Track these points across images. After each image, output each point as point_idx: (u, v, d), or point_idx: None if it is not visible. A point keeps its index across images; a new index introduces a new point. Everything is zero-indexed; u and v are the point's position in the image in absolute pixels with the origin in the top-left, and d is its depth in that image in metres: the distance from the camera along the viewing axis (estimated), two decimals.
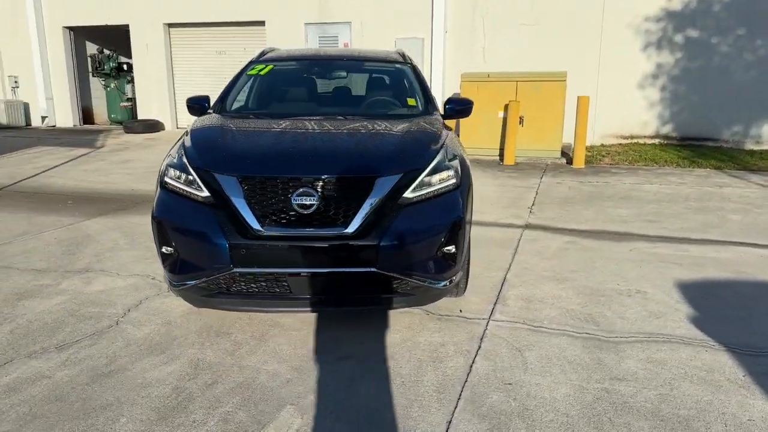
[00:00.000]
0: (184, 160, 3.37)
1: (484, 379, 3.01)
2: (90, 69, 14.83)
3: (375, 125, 3.78)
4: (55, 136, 12.78)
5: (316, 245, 3.07)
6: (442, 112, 4.53)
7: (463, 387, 2.92)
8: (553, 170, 9.05)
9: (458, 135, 10.23)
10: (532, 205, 6.93)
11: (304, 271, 3.09)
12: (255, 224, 3.07)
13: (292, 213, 3.09)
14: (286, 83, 4.82)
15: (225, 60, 13.01)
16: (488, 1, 11.10)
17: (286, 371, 3.06)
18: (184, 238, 3.17)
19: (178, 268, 3.25)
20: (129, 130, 13.20)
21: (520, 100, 9.53)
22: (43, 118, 14.43)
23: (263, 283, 3.15)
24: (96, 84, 15.16)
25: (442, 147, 3.56)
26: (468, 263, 4.03)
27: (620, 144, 10.77)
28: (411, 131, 3.70)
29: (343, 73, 5.03)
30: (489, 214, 6.45)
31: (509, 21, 11.02)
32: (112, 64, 14.67)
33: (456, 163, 3.55)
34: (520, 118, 9.60)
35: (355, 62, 5.03)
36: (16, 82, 14.49)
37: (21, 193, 7.58)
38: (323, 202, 3.11)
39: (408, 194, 3.23)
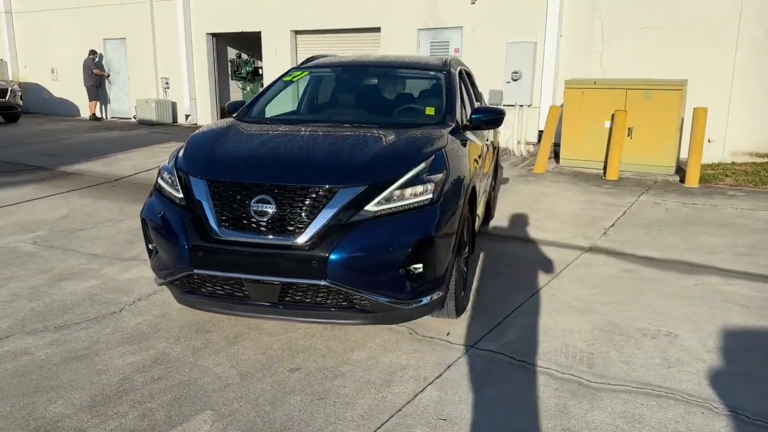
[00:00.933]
0: (173, 162, 3.53)
1: (421, 410, 2.80)
2: (229, 72, 16.06)
3: (369, 135, 3.67)
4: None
5: (269, 252, 3.06)
6: (469, 123, 4.31)
7: (391, 416, 2.75)
8: (659, 188, 8.19)
9: (559, 145, 9.66)
10: (612, 225, 6.32)
11: (257, 278, 3.09)
12: (215, 228, 3.14)
13: (251, 219, 3.11)
14: (315, 90, 4.86)
15: None
16: (608, 2, 10.32)
17: (232, 376, 3.09)
18: (159, 237, 3.32)
19: (155, 265, 3.42)
20: None
21: (630, 109, 8.74)
22: (187, 116, 15.90)
23: (225, 287, 3.21)
24: (234, 86, 16.39)
25: (426, 160, 3.37)
26: (463, 282, 3.81)
27: (753, 163, 9.46)
28: (397, 143, 3.54)
29: (374, 81, 4.95)
30: (555, 233, 6.00)
31: (630, 24, 10.15)
32: (248, 68, 15.78)
33: (440, 177, 3.33)
34: (629, 129, 8.81)
35: (389, 69, 4.94)
36: (167, 83, 16.11)
37: (133, 183, 8.41)
38: (281, 210, 3.08)
39: (371, 207, 3.10)
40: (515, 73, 10.97)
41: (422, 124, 4.09)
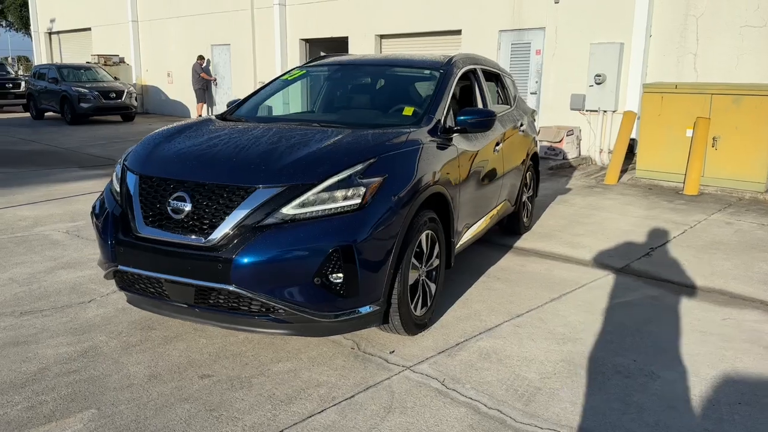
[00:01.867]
0: (123, 156, 3.55)
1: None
2: None
3: (316, 135, 3.46)
4: None
5: (181, 252, 2.96)
6: (456, 126, 3.97)
7: None
8: (740, 206, 7.20)
9: (634, 153, 8.83)
10: (660, 245, 5.62)
11: (171, 278, 3.00)
12: (136, 224, 3.09)
13: (170, 217, 3.03)
14: (306, 89, 4.72)
15: None
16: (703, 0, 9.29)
17: (141, 377, 3.02)
18: (96, 230, 3.34)
19: (99, 258, 3.45)
20: None
21: (716, 116, 7.78)
22: None
23: (149, 285, 3.16)
24: None
25: (363, 162, 3.11)
26: (430, 297, 3.52)
27: None
28: (339, 143, 3.30)
29: (365, 80, 4.72)
30: (589, 250, 5.43)
31: (729, 22, 9.05)
32: None
33: (376, 181, 3.07)
34: (713, 139, 7.84)
35: (384, 68, 4.68)
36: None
37: None
38: (196, 209, 2.98)
39: (288, 210, 2.91)
40: (598, 76, 10.20)
41: (395, 125, 3.82)
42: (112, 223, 3.18)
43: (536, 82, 11.52)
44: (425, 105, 4.01)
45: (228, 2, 17.17)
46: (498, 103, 5.51)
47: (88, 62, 20.89)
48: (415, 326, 3.48)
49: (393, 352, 3.34)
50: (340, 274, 2.90)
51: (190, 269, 2.93)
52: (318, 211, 2.93)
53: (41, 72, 18.49)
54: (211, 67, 18.23)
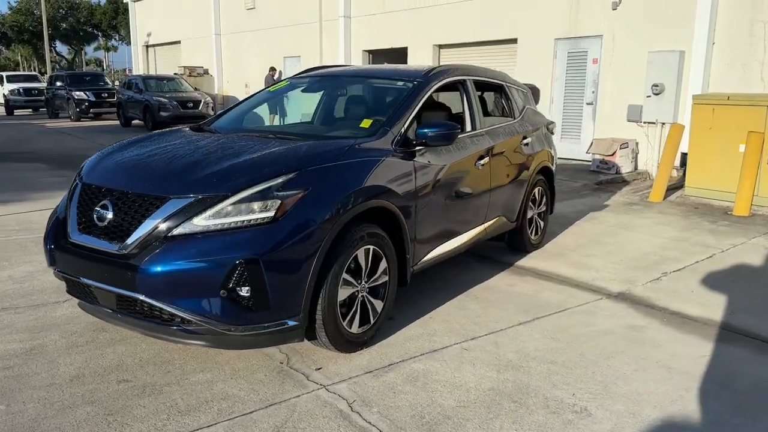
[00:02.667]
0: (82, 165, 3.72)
1: None
2: None
3: (250, 146, 3.47)
4: None
5: (100, 258, 3.05)
6: (415, 139, 3.86)
7: None
8: None
9: (683, 171, 8.23)
10: (677, 270, 5.19)
11: (95, 284, 3.11)
12: (70, 230, 3.23)
13: (96, 224, 3.14)
14: (285, 100, 4.74)
15: None
16: None
17: (66, 377, 3.13)
18: (44, 234, 3.51)
19: None
20: None
21: None
22: None
23: (82, 289, 3.27)
24: None
25: (284, 175, 3.08)
26: (374, 314, 3.47)
27: None
28: (265, 155, 3.29)
29: (341, 92, 4.67)
30: (594, 272, 5.11)
31: None
32: None
33: (295, 194, 3.03)
34: None
35: (362, 79, 4.62)
36: None
37: None
38: (116, 216, 3.07)
39: (199, 221, 2.93)
40: (656, 86, 9.61)
41: (345, 137, 3.77)
42: (54, 228, 3.35)
43: (592, 92, 11.01)
44: (386, 117, 3.92)
45: (299, 15, 17.69)
46: (497, 115, 5.31)
47: (175, 73, 22.20)
48: (349, 344, 3.40)
49: (319, 369, 3.28)
50: (247, 288, 2.88)
51: (108, 276, 3.02)
52: (229, 223, 2.93)
53: (129, 82, 19.86)
54: (282, 78, 18.81)
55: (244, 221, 2.93)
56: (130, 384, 3.07)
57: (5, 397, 2.92)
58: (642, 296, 4.58)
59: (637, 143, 10.20)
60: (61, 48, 63.34)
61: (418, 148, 3.88)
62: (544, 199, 5.85)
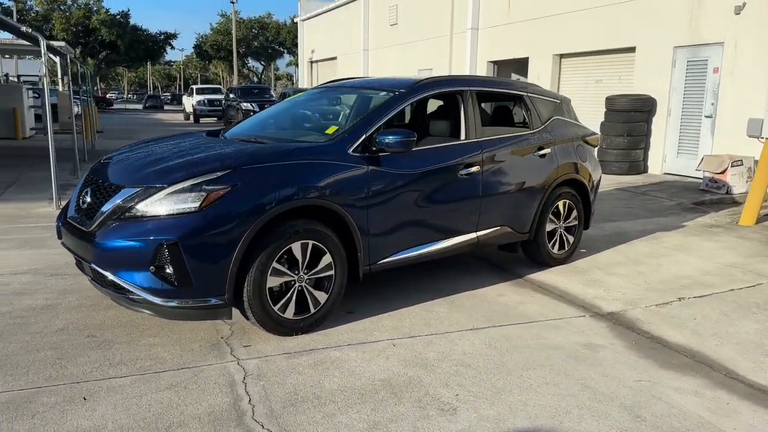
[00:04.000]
0: None
1: (54, 387, 3.13)
2: None
3: (206, 146, 4.01)
4: None
5: (79, 234, 3.75)
6: (374, 145, 4.12)
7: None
8: None
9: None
10: (701, 296, 4.80)
11: (78, 256, 3.82)
12: (69, 211, 3.99)
13: (80, 207, 3.87)
14: (286, 109, 5.20)
15: (600, 89, 12.41)
16: None
17: (54, 328, 3.85)
18: None
19: None
20: None
21: None
22: None
23: (78, 261, 4.02)
24: None
25: (214, 172, 3.54)
26: (293, 300, 3.78)
27: None
28: (207, 155, 3.80)
29: (332, 101, 4.99)
30: (602, 290, 4.92)
31: None
32: None
33: (220, 189, 3.47)
34: None
35: (357, 90, 4.91)
36: None
37: None
38: (92, 201, 3.76)
39: (141, 206, 3.49)
40: None
41: (308, 142, 4.15)
42: (65, 208, 4.15)
43: (712, 104, 10.10)
44: (352, 125, 4.23)
45: (433, 29, 18.22)
46: (507, 125, 5.32)
47: None
48: (281, 327, 3.75)
49: (248, 346, 3.68)
50: (171, 267, 3.39)
51: (82, 249, 3.71)
52: (163, 210, 3.46)
53: (284, 94, 21.82)
54: None
55: (174, 209, 3.45)
56: (93, 339, 3.74)
57: (2, 337, 3.73)
58: (632, 318, 4.34)
59: (755, 161, 9.14)
60: (254, 63, 70.65)
61: (382, 153, 4.12)
62: (574, 214, 5.66)
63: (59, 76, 30.46)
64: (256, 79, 68.22)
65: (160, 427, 2.78)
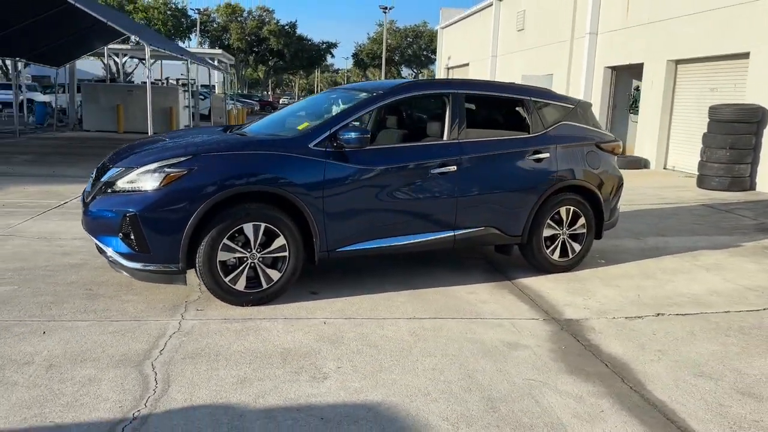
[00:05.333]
0: None
1: (19, 336, 3.87)
2: (628, 104, 15.55)
3: (195, 138, 4.62)
4: None
5: (86, 205, 4.56)
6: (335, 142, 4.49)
7: None
8: None
9: None
10: (684, 314, 4.55)
11: None
12: (87, 187, 4.84)
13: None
14: (300, 109, 5.66)
15: (715, 98, 11.44)
16: None
17: (68, 281, 4.70)
18: None
19: None
20: None
21: None
22: None
23: None
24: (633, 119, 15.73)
25: (176, 158, 4.13)
26: (244, 275, 4.25)
27: None
28: (180, 144, 4.40)
29: (328, 102, 5.34)
30: (584, 298, 4.85)
31: None
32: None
33: (175, 172, 4.03)
34: None
35: (350, 91, 5.24)
36: None
37: None
38: (95, 180, 4.54)
39: (119, 183, 4.18)
40: None
41: (276, 136, 4.63)
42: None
43: None
44: (322, 124, 4.62)
45: (555, 34, 17.83)
46: (499, 128, 5.37)
47: None
48: (231, 296, 4.24)
49: (201, 310, 4.24)
50: (132, 235, 4.06)
51: (82, 217, 4.52)
52: (132, 187, 4.13)
53: None
54: None
55: (140, 187, 4.11)
56: (89, 292, 4.52)
57: (28, 283, 4.65)
58: (587, 326, 4.26)
59: None
60: (407, 71, 72.67)
61: (346, 149, 4.48)
62: (581, 221, 5.51)
63: (221, 80, 34.08)
64: None
65: (78, 359, 3.41)
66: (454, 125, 4.96)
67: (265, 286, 4.34)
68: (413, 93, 4.99)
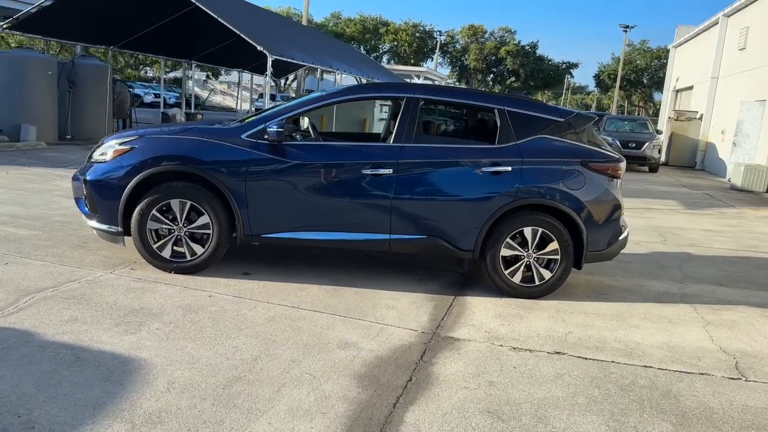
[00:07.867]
0: None
1: None
2: None
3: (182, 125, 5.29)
4: None
5: None
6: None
7: None
8: None
9: None
10: (573, 356, 3.96)
11: None
12: None
13: None
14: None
15: None
16: None
17: (80, 250, 5.83)
18: None
19: None
20: None
21: None
22: None
23: None
24: None
25: (130, 137, 4.88)
26: (168, 245, 4.85)
27: None
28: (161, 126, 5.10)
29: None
30: (503, 324, 4.49)
31: None
32: None
33: (122, 149, 4.79)
34: None
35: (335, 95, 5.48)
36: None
37: None
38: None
39: (94, 155, 5.07)
40: None
41: (221, 128, 5.09)
42: None
43: None
44: (259, 116, 5.01)
45: None
46: (460, 137, 5.11)
47: (668, 117, 21.98)
48: (157, 260, 4.84)
49: (134, 270, 4.91)
50: (87, 197, 4.92)
51: None
52: (98, 158, 5.00)
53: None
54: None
55: (98, 158, 4.96)
56: (82, 244, 5.51)
57: (45, 229, 5.85)
58: (454, 345, 3.95)
59: None
60: (657, 95, 66.64)
61: (275, 142, 4.81)
62: (553, 246, 4.96)
63: None
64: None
65: None
66: (402, 129, 4.91)
67: (188, 257, 4.86)
68: (362, 95, 5.09)
